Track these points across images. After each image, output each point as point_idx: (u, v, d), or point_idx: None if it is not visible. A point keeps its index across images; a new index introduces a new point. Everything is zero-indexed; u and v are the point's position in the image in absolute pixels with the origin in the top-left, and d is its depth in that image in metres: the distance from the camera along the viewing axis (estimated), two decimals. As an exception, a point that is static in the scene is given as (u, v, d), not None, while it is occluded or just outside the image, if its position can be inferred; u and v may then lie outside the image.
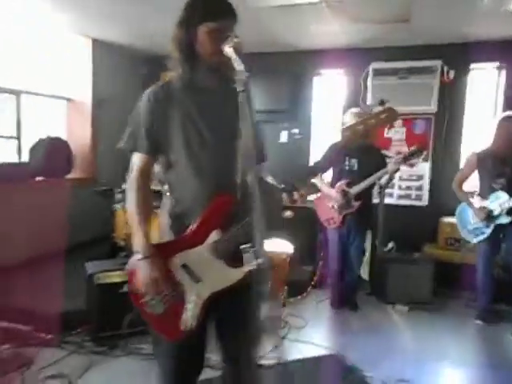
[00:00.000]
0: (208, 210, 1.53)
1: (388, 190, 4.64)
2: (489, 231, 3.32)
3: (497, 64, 4.23)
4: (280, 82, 4.86)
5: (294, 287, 3.97)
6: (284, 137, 5.08)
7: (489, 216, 3.30)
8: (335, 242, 3.77)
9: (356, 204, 3.57)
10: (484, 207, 3.32)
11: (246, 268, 1.50)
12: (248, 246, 1.47)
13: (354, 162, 3.64)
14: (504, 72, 4.25)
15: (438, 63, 4.29)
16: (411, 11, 3.32)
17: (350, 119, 3.59)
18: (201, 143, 1.55)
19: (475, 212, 3.38)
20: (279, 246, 3.50)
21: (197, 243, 1.54)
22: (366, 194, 3.62)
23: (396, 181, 4.65)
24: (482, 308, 3.50)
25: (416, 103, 4.41)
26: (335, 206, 3.64)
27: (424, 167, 4.55)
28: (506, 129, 3.24)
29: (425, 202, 4.56)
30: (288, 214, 4.79)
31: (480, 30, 3.87)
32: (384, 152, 3.86)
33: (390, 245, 4.33)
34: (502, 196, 3.24)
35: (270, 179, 1.67)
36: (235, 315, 1.62)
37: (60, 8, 3.74)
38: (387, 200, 4.61)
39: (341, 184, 3.64)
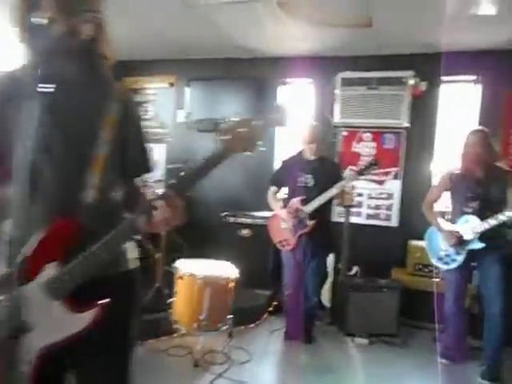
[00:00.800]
0: (42, 237, 1.17)
1: (356, 209, 4.31)
2: (460, 258, 2.96)
3: (472, 77, 3.94)
4: (242, 90, 4.55)
5: (244, 314, 3.59)
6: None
7: (460, 241, 2.94)
8: (290, 266, 3.41)
9: (310, 223, 3.22)
10: (456, 231, 2.96)
11: (93, 313, 1.15)
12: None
13: (309, 177, 3.31)
14: (480, 86, 3.96)
15: (409, 74, 3.99)
16: (370, 14, 3.03)
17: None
18: (42, 151, 1.20)
19: (445, 236, 3.02)
20: (221, 269, 3.13)
21: (27, 279, 1.18)
22: (322, 212, 3.27)
23: (365, 199, 4.32)
24: (449, 344, 3.12)
25: (386, 116, 4.09)
26: (288, 227, 3.29)
27: (394, 185, 4.21)
28: (472, 145, 2.90)
29: (394, 222, 4.21)
30: (245, 232, 4.47)
31: (451, 39, 3.58)
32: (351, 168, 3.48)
33: (355, 269, 3.96)
34: (472, 220, 2.87)
35: (153, 193, 1.33)
36: (94, 367, 1.26)
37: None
38: (355, 219, 4.28)
39: (294, 202, 3.30)
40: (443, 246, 3.04)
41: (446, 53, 3.79)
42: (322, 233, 3.27)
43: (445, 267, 3.06)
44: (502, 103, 3.82)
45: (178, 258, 3.33)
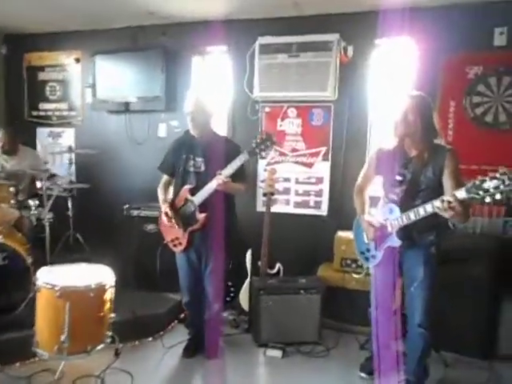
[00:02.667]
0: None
1: (284, 197, 3.76)
2: (380, 255, 2.41)
3: (407, 40, 3.35)
4: (150, 62, 3.91)
5: (142, 325, 3.04)
6: (162, 130, 4.13)
7: (382, 235, 2.38)
8: (184, 269, 2.84)
9: (201, 217, 2.65)
10: (376, 223, 2.40)
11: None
12: None
13: (200, 161, 2.72)
14: (415, 50, 3.38)
15: (334, 37, 3.41)
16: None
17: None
18: None
19: (364, 229, 2.48)
20: (91, 276, 2.53)
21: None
22: (219, 202, 2.68)
23: (292, 184, 3.76)
24: (371, 355, 2.61)
25: (312, 88, 3.50)
26: (177, 223, 2.71)
27: (324, 167, 3.66)
28: (404, 113, 2.23)
29: (324, 210, 3.66)
30: (151, 227, 3.88)
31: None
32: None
33: (277, 266, 3.41)
34: (396, 211, 2.31)
35: None
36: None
37: None
38: (281, 208, 3.73)
39: (182, 192, 2.72)
40: (366, 240, 2.50)
41: (375, 12, 3.22)
42: (220, 227, 2.69)
43: (367, 264, 2.54)
44: (441, 69, 3.26)
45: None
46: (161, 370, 2.74)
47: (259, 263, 3.36)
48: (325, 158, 3.64)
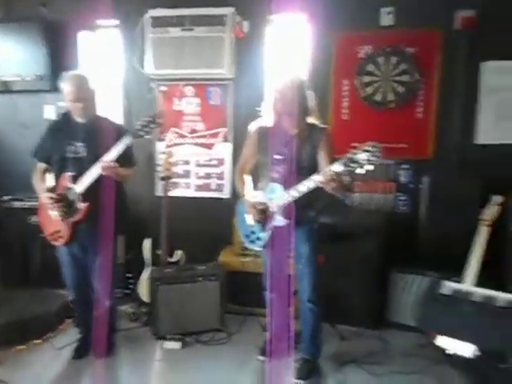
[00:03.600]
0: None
1: (184, 180, 3.60)
2: (265, 236, 2.37)
3: (301, 16, 3.30)
4: (28, 36, 3.46)
5: (33, 326, 2.79)
6: (50, 112, 3.73)
7: (266, 216, 2.34)
8: (68, 265, 2.59)
9: (83, 206, 2.41)
10: (259, 203, 2.35)
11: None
12: None
13: (80, 145, 2.46)
14: (309, 27, 3.34)
15: (229, 11, 3.25)
16: None
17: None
18: None
19: (247, 211, 2.41)
20: None
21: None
22: (105, 189, 2.44)
23: (192, 167, 3.61)
24: (270, 336, 2.60)
25: (207, 64, 3.33)
26: (56, 214, 2.45)
27: (225, 149, 3.54)
28: (280, 92, 2.23)
29: (227, 193, 3.57)
30: (35, 219, 3.53)
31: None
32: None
33: (179, 254, 3.27)
34: (278, 190, 2.27)
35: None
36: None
37: None
38: (182, 192, 3.58)
39: (62, 179, 2.46)
40: (250, 222, 2.44)
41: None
42: (107, 216, 2.46)
43: (252, 247, 2.48)
44: (333, 48, 3.26)
45: None
46: (45, 374, 2.50)
47: (160, 252, 3.20)
48: (225, 139, 3.52)
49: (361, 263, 2.97)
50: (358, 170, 1.92)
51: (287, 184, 2.23)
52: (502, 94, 3.01)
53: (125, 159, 2.48)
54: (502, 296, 1.44)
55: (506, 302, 1.37)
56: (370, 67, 3.17)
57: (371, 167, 1.90)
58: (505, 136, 3.03)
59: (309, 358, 2.48)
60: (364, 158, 1.89)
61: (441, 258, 2.93)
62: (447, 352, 2.51)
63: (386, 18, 3.11)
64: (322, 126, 2.33)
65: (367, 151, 1.89)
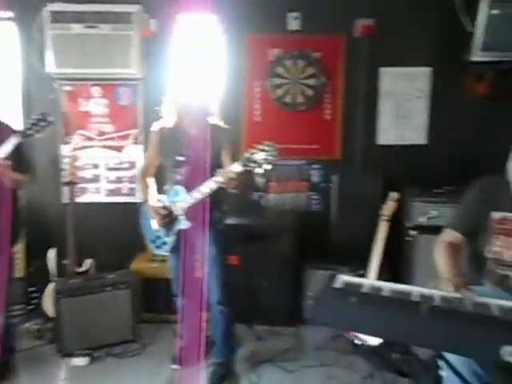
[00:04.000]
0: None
1: (93, 185, 3.40)
2: (171, 241, 2.31)
3: (209, 14, 3.27)
4: None
5: None
6: None
7: (170, 220, 2.27)
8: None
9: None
10: (162, 207, 2.27)
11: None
12: None
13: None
14: (220, 27, 3.33)
15: (135, 9, 3.13)
16: None
17: None
18: None
19: (151, 215, 2.33)
20: None
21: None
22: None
23: (102, 171, 3.43)
24: (183, 343, 2.53)
25: (115, 64, 3.18)
26: None
27: (136, 151, 3.41)
28: (181, 92, 2.22)
29: (139, 198, 3.42)
30: None
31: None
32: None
33: (88, 263, 3.08)
34: (181, 193, 2.23)
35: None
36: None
37: None
38: (92, 198, 3.38)
39: None
40: (154, 227, 2.36)
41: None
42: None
43: (159, 252, 2.41)
44: (244, 50, 3.28)
45: None
46: None
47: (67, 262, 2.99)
48: (136, 141, 3.39)
49: (276, 262, 3.01)
50: (257, 170, 1.94)
51: (191, 186, 2.19)
52: (398, 98, 3.23)
53: (19, 163, 2.28)
54: (388, 286, 1.52)
55: (391, 292, 1.45)
56: (280, 70, 3.23)
57: (269, 166, 1.93)
58: (401, 137, 3.27)
59: (222, 361, 2.46)
60: (261, 158, 1.93)
61: (350, 253, 3.07)
62: (355, 342, 2.65)
63: (293, 22, 3.20)
64: (225, 126, 2.32)
65: (264, 151, 1.93)
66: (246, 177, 2.09)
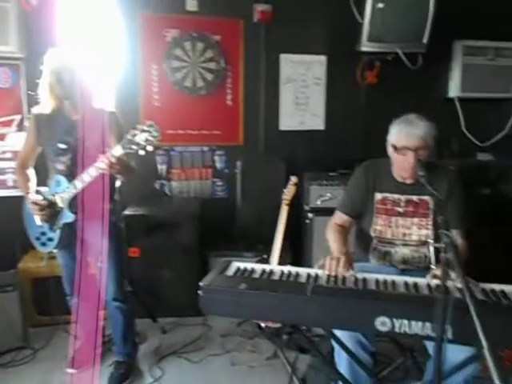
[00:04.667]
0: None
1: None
2: (57, 236, 2.11)
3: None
4: None
5: None
6: None
7: (50, 213, 2.06)
8: None
9: None
10: (41, 200, 2.05)
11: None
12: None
13: None
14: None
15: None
16: None
17: None
18: None
19: (32, 210, 2.10)
20: None
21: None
22: None
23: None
24: (78, 346, 2.36)
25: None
26: None
27: (20, 139, 3.04)
28: (59, 69, 1.99)
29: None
30: None
31: None
32: None
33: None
34: (63, 183, 2.03)
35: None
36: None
37: None
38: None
39: None
40: (38, 222, 2.14)
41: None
42: None
43: (45, 249, 2.20)
44: (140, 29, 3.09)
45: None
46: None
47: None
48: (20, 128, 3.04)
49: (180, 252, 2.93)
50: (141, 152, 1.84)
51: (74, 175, 2.01)
52: (298, 84, 3.31)
53: None
54: (279, 270, 1.53)
55: (281, 275, 1.46)
56: (178, 52, 3.11)
57: (151, 148, 1.83)
58: (301, 123, 3.35)
59: (123, 360, 2.34)
60: (143, 139, 1.81)
61: (256, 239, 3.11)
62: (260, 325, 2.70)
63: (191, 2, 3.08)
64: (110, 110, 2.16)
65: (145, 131, 1.82)
66: (127, 162, 1.96)
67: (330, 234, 1.91)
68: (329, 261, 1.60)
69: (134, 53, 3.08)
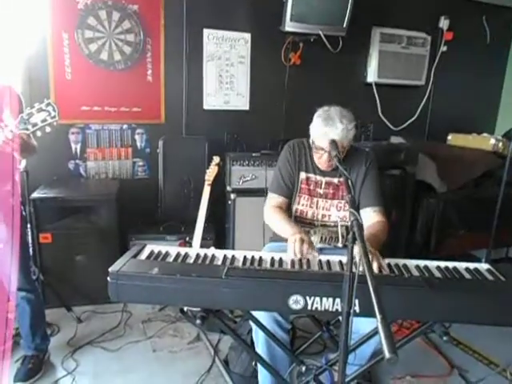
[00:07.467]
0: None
1: None
2: None
3: None
4: None
5: None
6: None
7: None
8: None
9: None
10: None
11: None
12: None
13: None
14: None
15: None
16: None
17: None
18: None
19: None
20: None
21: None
22: None
23: None
24: None
25: None
26: None
27: None
28: None
29: None
30: None
31: None
32: None
33: None
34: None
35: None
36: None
37: None
38: None
39: None
40: None
41: None
42: None
43: None
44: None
45: None
46: None
47: None
48: None
49: (96, 236, 2.76)
50: (38, 133, 1.68)
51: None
52: (222, 62, 3.22)
53: None
54: (194, 252, 1.48)
55: (196, 258, 1.42)
56: (92, 21, 2.85)
57: (49, 129, 1.68)
58: (225, 103, 3.29)
59: (32, 354, 2.16)
60: (40, 119, 1.66)
61: (179, 220, 3.03)
62: (183, 309, 2.65)
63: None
64: (5, 84, 1.93)
65: (43, 110, 1.66)
66: (26, 140, 1.78)
67: (271, 217, 1.86)
68: (293, 243, 1.54)
69: (42, 20, 2.78)
